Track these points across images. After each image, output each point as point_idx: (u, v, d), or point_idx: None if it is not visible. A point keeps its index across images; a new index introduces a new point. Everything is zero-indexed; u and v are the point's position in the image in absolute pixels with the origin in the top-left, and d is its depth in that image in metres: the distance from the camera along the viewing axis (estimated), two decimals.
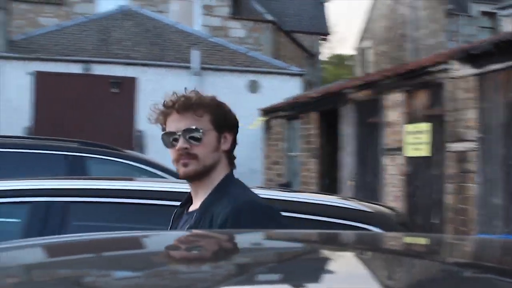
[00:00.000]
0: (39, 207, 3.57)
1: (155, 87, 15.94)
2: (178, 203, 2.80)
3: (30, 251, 1.85)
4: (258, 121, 16.29)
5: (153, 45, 17.54)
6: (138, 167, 6.81)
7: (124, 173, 6.73)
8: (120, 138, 14.96)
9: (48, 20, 20.71)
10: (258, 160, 16.43)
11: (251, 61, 18.02)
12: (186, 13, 22.50)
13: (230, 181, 2.69)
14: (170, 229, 2.76)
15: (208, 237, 2.08)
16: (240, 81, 17.08)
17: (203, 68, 16.70)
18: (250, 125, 15.48)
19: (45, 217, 3.51)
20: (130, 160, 6.92)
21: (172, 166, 2.76)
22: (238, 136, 2.79)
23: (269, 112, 16.48)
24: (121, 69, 16.38)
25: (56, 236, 2.49)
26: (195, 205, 2.71)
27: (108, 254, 1.78)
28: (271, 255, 1.74)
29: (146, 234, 2.10)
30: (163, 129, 2.69)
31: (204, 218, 2.61)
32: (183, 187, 3.95)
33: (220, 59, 17.63)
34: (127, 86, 16.19)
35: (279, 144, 16.20)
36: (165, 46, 17.65)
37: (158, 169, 6.73)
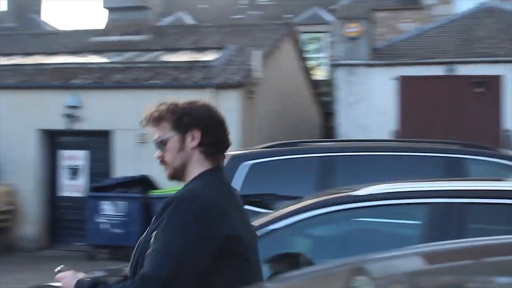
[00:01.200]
0: (438, 208, 3.62)
1: None
2: None
3: (415, 258, 1.93)
4: None
5: None
6: None
7: (501, 174, 6.60)
8: (485, 137, 14.66)
9: (408, 25, 21.10)
10: None
11: None
12: None
13: (199, 177, 2.82)
14: None
15: None
16: None
17: None
18: None
19: (443, 219, 3.55)
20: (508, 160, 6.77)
21: None
22: None
23: None
24: (485, 68, 16.04)
25: (439, 243, 2.56)
26: None
27: (491, 260, 1.78)
28: None
29: None
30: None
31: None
32: None
33: None
34: (492, 84, 15.79)
35: None
36: None
37: None
